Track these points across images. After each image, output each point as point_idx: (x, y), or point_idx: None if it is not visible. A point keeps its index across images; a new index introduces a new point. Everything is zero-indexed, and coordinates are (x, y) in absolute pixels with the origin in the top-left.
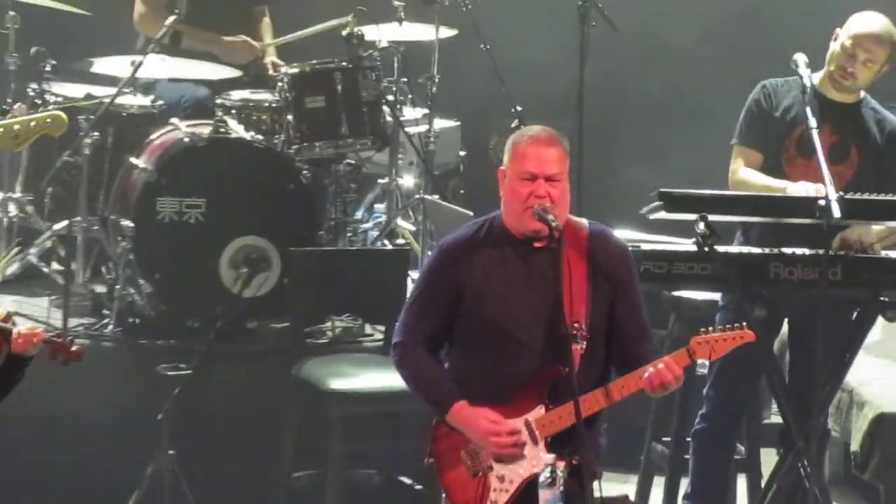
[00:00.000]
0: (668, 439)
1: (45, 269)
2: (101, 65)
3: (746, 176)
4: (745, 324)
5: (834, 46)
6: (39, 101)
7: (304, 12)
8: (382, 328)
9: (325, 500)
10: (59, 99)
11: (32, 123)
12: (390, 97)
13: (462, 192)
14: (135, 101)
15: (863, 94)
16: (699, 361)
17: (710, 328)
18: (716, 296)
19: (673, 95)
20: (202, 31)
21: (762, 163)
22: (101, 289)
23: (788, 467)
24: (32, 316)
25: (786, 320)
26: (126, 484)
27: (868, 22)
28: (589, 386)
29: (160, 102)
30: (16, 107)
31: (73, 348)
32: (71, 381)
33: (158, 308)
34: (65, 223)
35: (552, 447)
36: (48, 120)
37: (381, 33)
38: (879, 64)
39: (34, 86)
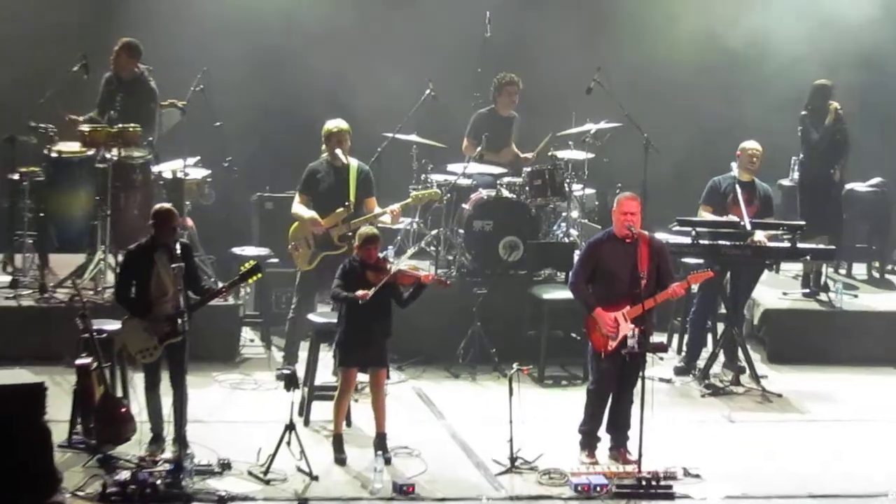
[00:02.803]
0: (680, 318)
1: (427, 250)
2: (450, 167)
3: (707, 215)
4: (709, 269)
5: (740, 158)
6: (425, 182)
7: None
8: (564, 273)
9: (540, 345)
10: (433, 181)
11: (427, 195)
12: (568, 180)
13: (596, 218)
14: (464, 182)
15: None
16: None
17: (695, 270)
18: (699, 261)
19: (680, 180)
20: (490, 152)
21: (713, 211)
22: (449, 257)
23: (728, 332)
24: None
25: (728, 273)
26: (460, 335)
27: (745, 144)
28: (647, 297)
29: (475, 182)
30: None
31: (448, 282)
32: (439, 296)
33: (473, 265)
34: (434, 231)
35: (633, 322)
36: (433, 194)
37: (565, 154)
38: (760, 157)
39: (423, 176)
